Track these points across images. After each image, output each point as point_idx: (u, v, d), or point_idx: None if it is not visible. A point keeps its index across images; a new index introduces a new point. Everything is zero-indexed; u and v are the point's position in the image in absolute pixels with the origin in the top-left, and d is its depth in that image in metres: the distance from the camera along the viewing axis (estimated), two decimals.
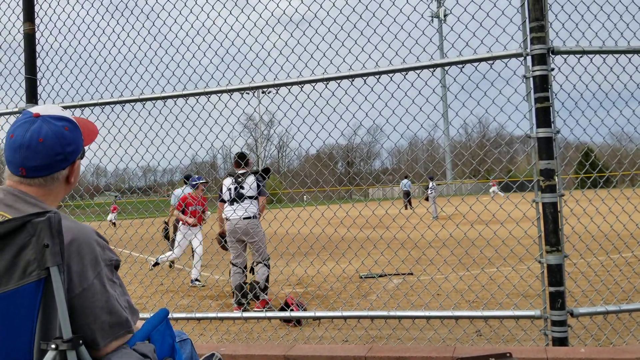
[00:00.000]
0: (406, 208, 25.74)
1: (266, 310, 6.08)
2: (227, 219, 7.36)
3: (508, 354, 3.62)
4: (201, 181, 9.49)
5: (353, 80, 4.62)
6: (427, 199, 25.63)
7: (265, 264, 7.29)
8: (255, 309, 6.93)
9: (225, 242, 7.43)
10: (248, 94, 5.14)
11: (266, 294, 7.26)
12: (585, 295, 5.48)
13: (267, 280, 7.35)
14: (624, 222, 4.50)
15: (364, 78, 4.57)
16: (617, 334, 4.73)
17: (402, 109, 4.49)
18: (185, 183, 8.23)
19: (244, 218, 7.20)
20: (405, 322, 5.21)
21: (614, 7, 4.22)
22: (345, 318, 4.54)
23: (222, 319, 4.98)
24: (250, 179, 7.35)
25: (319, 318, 4.78)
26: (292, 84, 4.74)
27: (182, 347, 2.19)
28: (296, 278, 9.02)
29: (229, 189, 7.38)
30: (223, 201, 7.50)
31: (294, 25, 4.89)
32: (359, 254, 5.39)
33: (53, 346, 1.62)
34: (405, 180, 31.48)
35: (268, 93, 5.42)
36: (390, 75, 4.52)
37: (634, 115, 4.40)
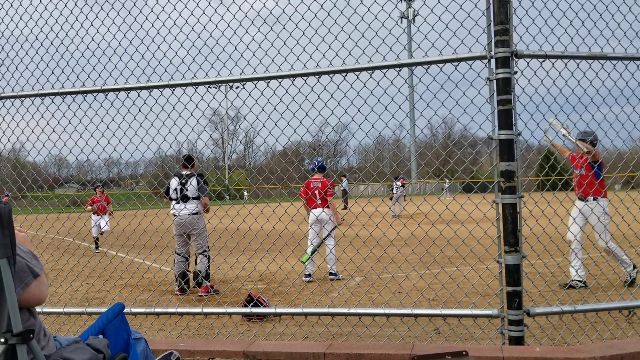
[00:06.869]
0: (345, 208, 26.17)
1: (227, 306, 6.04)
2: (174, 215, 8.17)
3: (464, 352, 3.67)
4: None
5: (320, 77, 4.62)
6: (391, 198, 25.77)
7: (205, 255, 8.11)
8: (201, 294, 7.69)
9: None
10: (214, 87, 5.09)
11: (208, 281, 8.06)
12: (542, 295, 5.58)
13: (208, 268, 8.17)
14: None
15: (331, 75, 4.57)
16: (571, 334, 4.84)
17: (368, 107, 4.51)
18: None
19: (191, 214, 8.08)
20: (365, 319, 5.23)
21: (577, 14, 4.32)
22: (306, 315, 4.55)
23: (181, 314, 4.93)
24: (194, 181, 8.18)
25: (279, 314, 4.77)
26: (258, 79, 4.71)
27: (136, 344, 2.15)
28: (258, 274, 8.99)
29: (175, 190, 8.21)
30: (171, 199, 8.31)
31: (261, 20, 4.87)
32: (320, 251, 5.43)
33: (2, 340, 1.57)
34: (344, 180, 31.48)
35: (235, 88, 5.39)
36: (357, 73, 4.53)
37: (592, 120, 4.51)
